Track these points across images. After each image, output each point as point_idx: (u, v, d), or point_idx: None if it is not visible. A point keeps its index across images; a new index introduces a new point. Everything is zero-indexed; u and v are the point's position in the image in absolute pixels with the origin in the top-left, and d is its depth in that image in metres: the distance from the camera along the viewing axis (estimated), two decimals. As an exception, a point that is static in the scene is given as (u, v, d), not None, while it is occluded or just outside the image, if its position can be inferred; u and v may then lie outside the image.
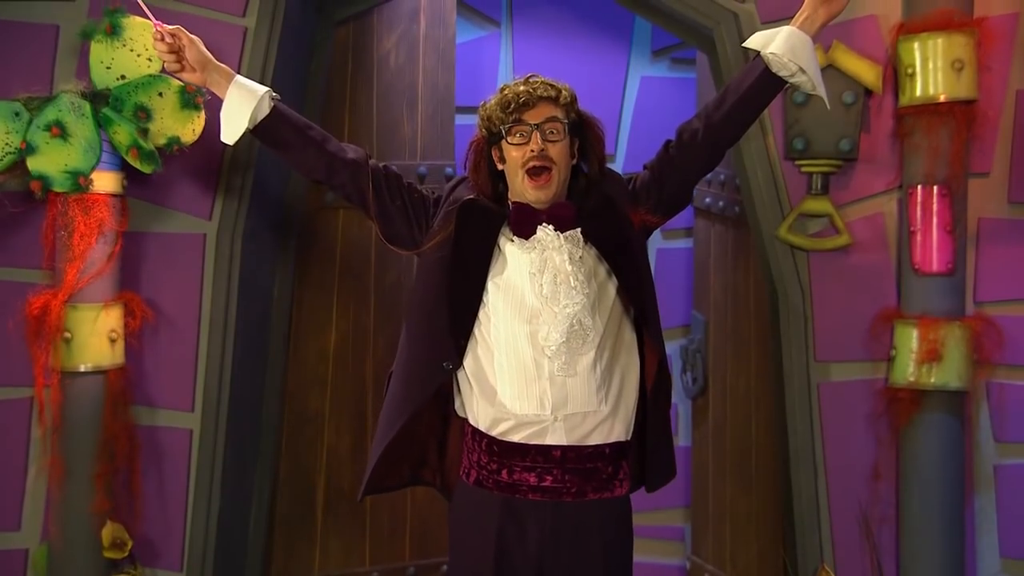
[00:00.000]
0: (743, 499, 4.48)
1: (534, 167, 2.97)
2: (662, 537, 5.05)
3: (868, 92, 3.66)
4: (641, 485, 3.16)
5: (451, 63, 4.66)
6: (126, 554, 3.52)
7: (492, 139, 3.05)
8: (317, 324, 4.26)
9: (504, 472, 2.99)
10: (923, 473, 3.60)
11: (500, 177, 3.07)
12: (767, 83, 3.01)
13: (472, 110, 4.92)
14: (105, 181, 3.45)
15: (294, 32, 3.77)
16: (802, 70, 2.97)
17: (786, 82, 3.01)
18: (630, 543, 3.16)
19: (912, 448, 3.62)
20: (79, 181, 3.40)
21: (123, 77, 3.45)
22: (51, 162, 3.41)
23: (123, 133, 3.41)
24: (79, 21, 3.54)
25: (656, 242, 5.07)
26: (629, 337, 3.04)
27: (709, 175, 4.66)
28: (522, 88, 3.01)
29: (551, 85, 3.04)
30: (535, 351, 2.94)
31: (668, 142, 3.12)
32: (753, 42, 3.02)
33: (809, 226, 3.71)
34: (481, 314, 2.98)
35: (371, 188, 3.11)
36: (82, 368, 3.46)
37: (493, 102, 3.04)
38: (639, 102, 5.06)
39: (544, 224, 2.99)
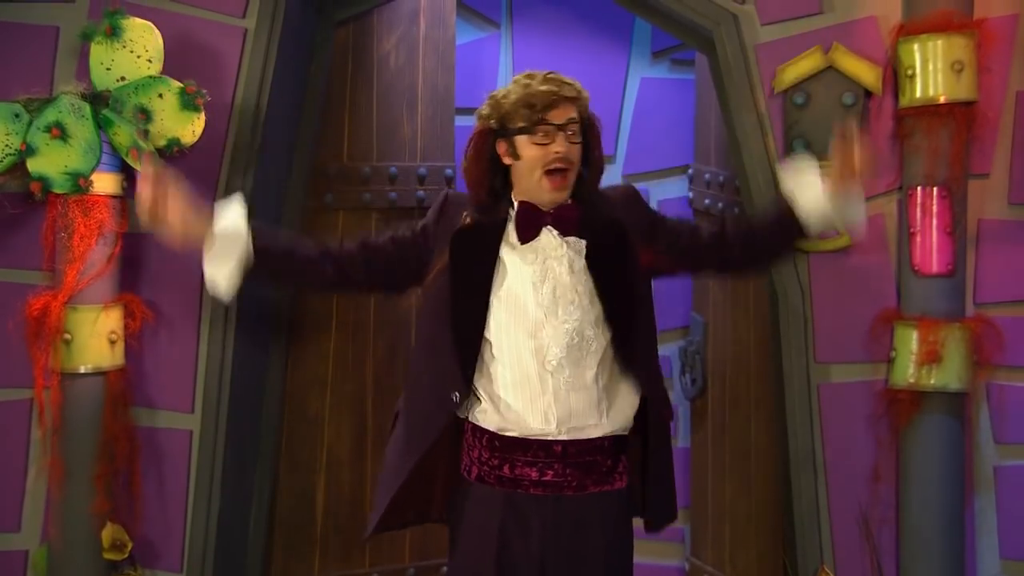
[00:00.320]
0: (743, 500, 4.48)
1: (557, 168, 2.95)
2: (661, 538, 5.00)
3: (868, 93, 3.66)
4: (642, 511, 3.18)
5: (451, 64, 4.66)
6: (126, 555, 3.53)
7: (501, 133, 2.99)
8: (317, 325, 4.26)
9: (506, 467, 2.99)
10: (923, 474, 3.60)
11: (498, 172, 3.03)
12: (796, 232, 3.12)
13: (472, 111, 4.94)
14: (105, 182, 3.45)
15: (294, 33, 3.77)
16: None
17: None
18: (630, 537, 3.17)
19: (912, 449, 3.62)
20: (79, 182, 3.41)
21: (123, 78, 3.45)
22: (51, 163, 3.41)
23: (123, 134, 3.41)
24: (79, 23, 3.54)
25: (656, 243, 5.07)
26: None
27: (708, 176, 4.68)
28: (546, 88, 2.95)
29: (573, 85, 3.00)
30: (539, 365, 2.94)
31: (702, 230, 3.13)
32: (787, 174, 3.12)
33: (809, 227, 3.71)
34: (485, 331, 2.97)
35: (393, 267, 3.10)
36: (82, 369, 3.46)
37: (514, 97, 2.96)
38: (639, 103, 5.06)
39: (548, 228, 2.98)
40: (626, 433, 3.04)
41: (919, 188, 3.60)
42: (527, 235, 2.98)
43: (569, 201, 3.01)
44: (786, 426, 3.77)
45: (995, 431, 3.77)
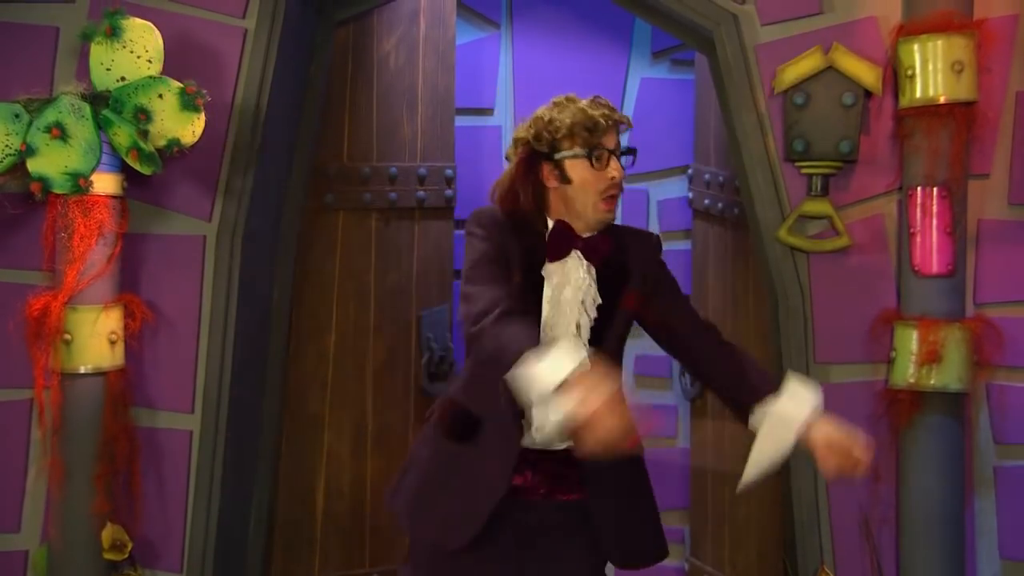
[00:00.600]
0: (742, 500, 4.48)
1: (611, 197, 2.95)
2: (662, 538, 5.04)
3: (868, 94, 3.66)
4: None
5: (451, 64, 4.66)
6: (126, 556, 3.52)
7: (549, 156, 2.96)
8: (317, 325, 4.26)
9: None
10: (923, 475, 3.60)
11: (539, 193, 2.99)
12: (739, 412, 3.05)
13: (472, 111, 4.99)
14: (105, 183, 3.45)
15: (294, 33, 3.77)
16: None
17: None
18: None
19: (912, 450, 3.62)
20: (79, 183, 3.40)
21: (123, 79, 3.45)
22: (51, 164, 3.41)
23: (123, 135, 3.41)
24: (79, 23, 3.54)
25: (656, 243, 5.07)
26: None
27: (708, 176, 4.68)
28: (599, 112, 2.94)
29: (619, 112, 3.00)
30: None
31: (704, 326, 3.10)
32: (789, 388, 3.00)
33: (809, 228, 3.71)
34: None
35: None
36: (82, 370, 3.46)
37: (570, 121, 2.92)
38: (639, 103, 5.06)
39: (577, 252, 2.97)
40: None
41: (919, 188, 3.60)
42: (556, 255, 2.98)
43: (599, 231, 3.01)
44: (786, 426, 3.76)
45: (995, 431, 3.77)
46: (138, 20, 3.44)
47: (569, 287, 2.96)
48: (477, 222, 2.98)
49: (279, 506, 4.18)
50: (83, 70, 3.50)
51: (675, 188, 5.05)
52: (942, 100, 3.55)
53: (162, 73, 3.45)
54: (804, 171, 3.68)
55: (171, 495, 3.61)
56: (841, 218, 3.67)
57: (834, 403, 3.69)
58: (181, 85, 3.44)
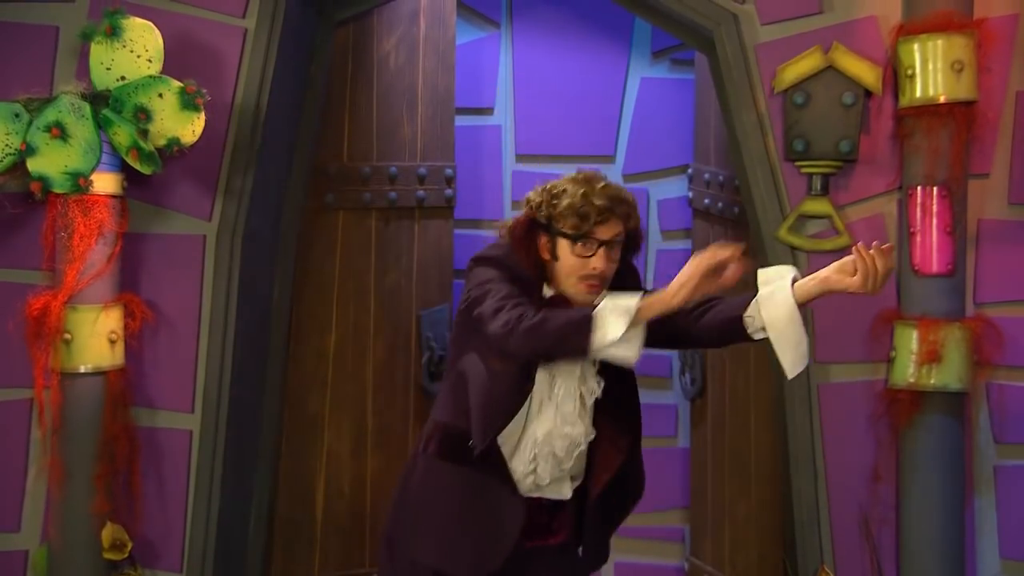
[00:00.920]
0: (742, 500, 4.48)
1: (592, 284, 2.93)
2: (661, 538, 5.04)
3: (868, 93, 3.66)
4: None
5: (451, 64, 4.66)
6: (126, 555, 3.53)
7: (546, 228, 2.95)
8: (317, 325, 4.26)
9: None
10: (923, 474, 3.60)
11: (538, 256, 2.99)
12: (737, 330, 2.95)
13: (472, 111, 4.99)
14: (105, 182, 3.45)
15: (294, 33, 3.77)
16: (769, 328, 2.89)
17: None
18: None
19: (912, 449, 3.62)
20: (79, 182, 3.40)
21: (123, 78, 3.45)
22: (51, 163, 3.41)
23: (123, 134, 3.41)
24: (79, 22, 3.54)
25: (656, 243, 5.07)
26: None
27: (708, 176, 4.68)
28: (600, 203, 2.91)
29: (625, 201, 2.97)
30: (525, 443, 2.98)
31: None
32: (762, 276, 2.94)
33: (809, 227, 3.71)
34: None
35: None
36: (82, 369, 3.46)
37: (567, 202, 2.91)
38: (639, 103, 5.05)
39: None
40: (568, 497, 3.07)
41: (919, 188, 3.60)
42: None
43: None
44: (786, 426, 3.77)
45: (995, 431, 3.77)
46: (138, 19, 3.44)
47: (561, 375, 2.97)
48: (487, 263, 2.96)
49: (279, 505, 4.18)
50: (83, 69, 3.50)
51: (675, 188, 5.04)
52: (942, 100, 3.55)
53: (162, 73, 3.45)
54: (804, 171, 3.68)
55: (171, 495, 3.61)
56: (841, 217, 3.67)
57: (834, 402, 3.70)
58: (181, 84, 3.44)
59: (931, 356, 3.55)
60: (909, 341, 3.59)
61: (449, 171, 4.60)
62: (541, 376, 2.94)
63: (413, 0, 4.45)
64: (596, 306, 2.75)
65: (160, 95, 3.44)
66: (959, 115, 3.55)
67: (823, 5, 3.69)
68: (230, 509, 3.73)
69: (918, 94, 3.58)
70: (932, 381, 3.57)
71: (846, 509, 3.69)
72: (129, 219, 3.54)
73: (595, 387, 3.00)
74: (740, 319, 2.90)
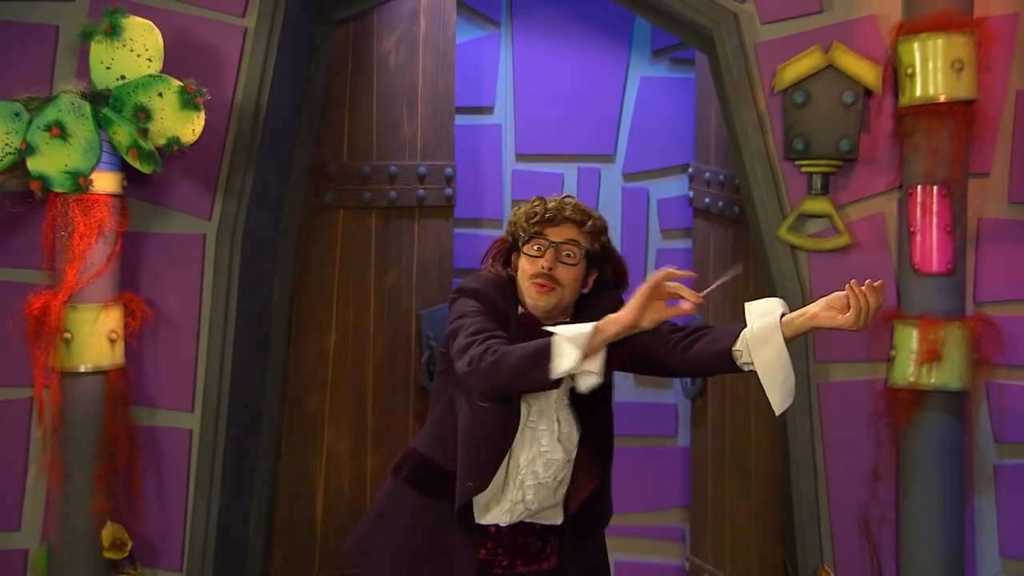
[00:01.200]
0: (742, 499, 4.48)
1: (539, 283, 2.96)
2: (661, 537, 5.05)
3: (868, 92, 3.66)
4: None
5: (451, 63, 4.66)
6: (126, 554, 3.53)
7: (515, 245, 3.06)
8: (317, 324, 4.26)
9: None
10: (923, 474, 3.60)
11: (511, 281, 3.06)
12: (726, 362, 2.93)
13: (472, 110, 4.99)
14: (105, 181, 3.45)
15: (294, 32, 3.77)
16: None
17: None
18: None
19: (912, 448, 3.62)
20: (79, 181, 3.40)
21: (123, 77, 3.45)
22: (51, 162, 3.40)
23: (123, 133, 3.41)
24: (79, 21, 3.54)
25: (656, 242, 5.07)
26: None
27: (708, 175, 4.68)
28: (552, 204, 3.01)
29: (582, 210, 3.03)
30: (511, 473, 3.00)
31: (669, 329, 3.02)
32: (751, 311, 2.94)
33: (809, 226, 3.71)
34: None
35: None
36: (82, 368, 3.46)
37: (522, 211, 3.04)
38: (639, 102, 5.06)
39: None
40: (559, 522, 3.09)
41: (919, 187, 3.60)
42: None
43: (567, 320, 2.99)
44: (786, 425, 3.77)
45: (995, 430, 3.77)
46: (138, 19, 3.44)
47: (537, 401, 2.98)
48: (466, 294, 3.00)
49: (279, 505, 4.18)
50: (83, 68, 3.50)
51: (675, 187, 5.05)
52: (942, 99, 3.55)
53: (162, 72, 3.45)
54: (804, 170, 3.68)
55: (171, 494, 3.61)
56: (841, 217, 3.67)
57: (834, 402, 3.70)
58: (181, 84, 3.44)
59: (931, 355, 3.55)
60: (909, 340, 3.59)
61: (449, 170, 4.60)
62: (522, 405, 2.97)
63: (413, -1, 4.46)
64: (552, 335, 2.75)
65: (160, 94, 3.44)
66: (959, 114, 3.55)
67: (823, 4, 3.69)
68: (230, 508, 3.73)
69: (918, 93, 3.58)
70: (932, 380, 3.57)
71: (846, 508, 3.69)
72: (129, 218, 3.54)
73: (569, 418, 3.02)
74: (729, 352, 2.90)
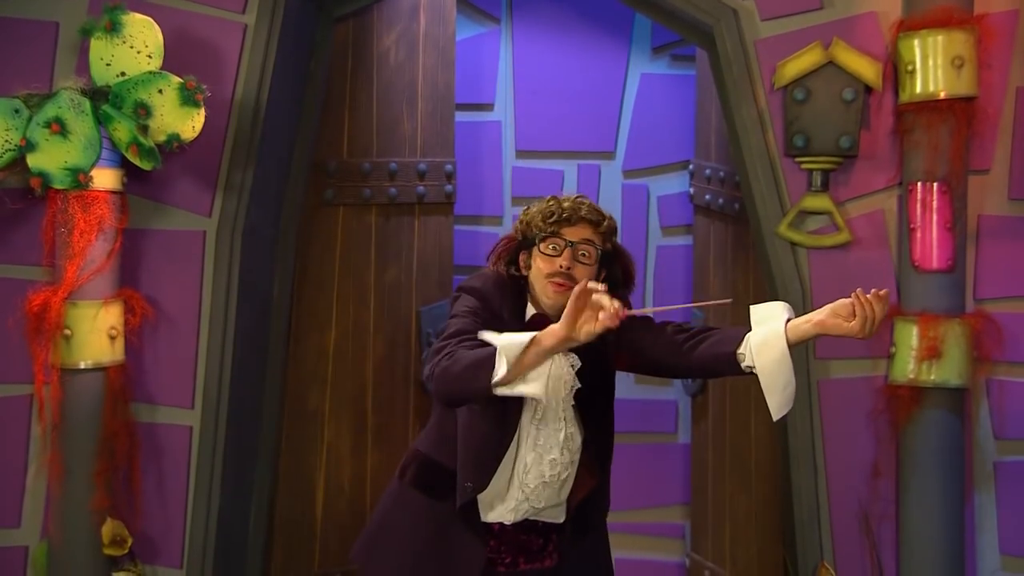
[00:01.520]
0: (743, 496, 4.48)
1: (557, 282, 2.96)
2: (661, 534, 5.05)
3: (868, 89, 3.66)
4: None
5: (451, 60, 4.66)
6: (126, 551, 3.53)
7: (525, 244, 3.06)
8: (317, 321, 4.26)
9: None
10: (923, 470, 3.60)
11: (518, 281, 3.06)
12: (730, 365, 2.94)
13: (472, 107, 4.99)
14: (105, 178, 3.45)
15: (294, 29, 3.77)
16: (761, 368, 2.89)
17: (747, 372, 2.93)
18: None
19: (912, 445, 3.62)
20: (79, 178, 3.40)
21: (123, 74, 3.45)
22: (51, 159, 3.40)
23: (123, 130, 3.41)
24: (79, 18, 3.54)
25: (656, 239, 5.07)
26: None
27: (708, 171, 4.68)
28: (568, 204, 3.02)
29: (597, 211, 3.05)
30: (516, 473, 3.01)
31: (674, 329, 3.03)
32: (756, 314, 2.94)
33: (809, 223, 3.71)
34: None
35: None
36: (82, 365, 3.46)
37: (536, 209, 3.04)
38: (639, 99, 5.05)
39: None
40: (562, 521, 3.10)
41: (919, 184, 3.60)
42: None
43: None
44: (786, 422, 3.76)
45: (995, 427, 3.77)
46: (138, 15, 3.44)
47: (552, 379, 2.91)
48: (465, 292, 3.01)
49: (279, 502, 4.18)
50: (83, 65, 3.50)
51: (676, 183, 5.05)
52: (942, 95, 3.55)
53: (162, 68, 3.45)
54: (804, 166, 3.68)
55: (171, 491, 3.61)
56: (841, 213, 3.67)
57: (834, 398, 3.70)
58: (181, 80, 3.44)
59: (931, 352, 3.55)
60: (909, 337, 3.59)
61: (449, 167, 4.60)
62: (526, 406, 2.97)
63: (413, -4, 4.45)
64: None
65: (160, 91, 3.44)
66: (959, 111, 3.55)
67: (823, 1, 3.68)
68: (230, 505, 3.73)
69: (918, 90, 3.58)
70: (932, 377, 3.57)
71: (846, 505, 3.69)
72: (129, 215, 3.54)
73: (574, 419, 3.02)
74: (733, 355, 2.91)
